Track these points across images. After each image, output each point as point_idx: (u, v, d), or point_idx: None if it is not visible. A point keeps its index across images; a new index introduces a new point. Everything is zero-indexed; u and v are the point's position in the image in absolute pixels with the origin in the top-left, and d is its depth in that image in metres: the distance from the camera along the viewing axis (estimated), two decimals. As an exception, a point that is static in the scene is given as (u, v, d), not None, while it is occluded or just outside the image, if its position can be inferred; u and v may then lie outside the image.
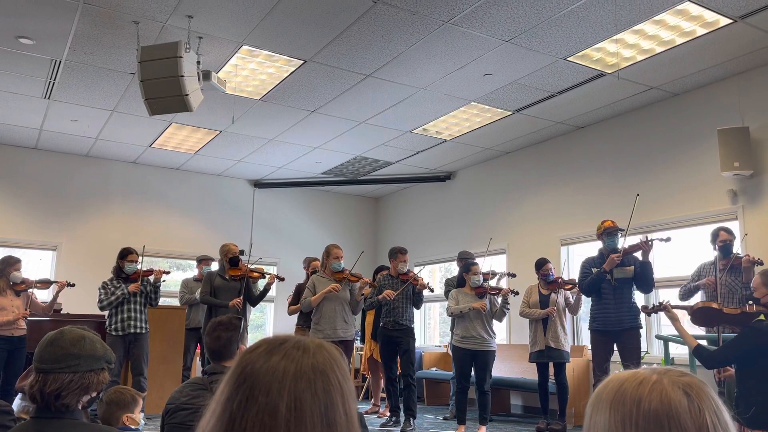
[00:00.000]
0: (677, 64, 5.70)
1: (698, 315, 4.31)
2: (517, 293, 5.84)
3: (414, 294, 6.09)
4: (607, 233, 5.27)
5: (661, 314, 4.74)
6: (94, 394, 1.87)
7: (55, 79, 6.17)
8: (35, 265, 8.21)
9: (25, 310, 5.76)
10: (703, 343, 3.97)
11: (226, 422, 0.76)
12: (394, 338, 6.02)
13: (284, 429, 0.75)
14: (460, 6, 4.71)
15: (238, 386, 0.79)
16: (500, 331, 7.74)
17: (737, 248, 5.28)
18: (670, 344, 4.91)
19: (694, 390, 0.83)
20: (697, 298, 5.22)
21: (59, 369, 1.76)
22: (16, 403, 3.26)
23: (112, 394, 2.73)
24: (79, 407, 1.83)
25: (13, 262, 5.80)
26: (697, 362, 4.12)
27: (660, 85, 6.17)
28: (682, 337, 3.87)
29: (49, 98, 6.67)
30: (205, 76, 5.21)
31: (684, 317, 4.35)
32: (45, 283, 6.05)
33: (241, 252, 6.35)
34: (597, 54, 5.52)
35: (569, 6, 4.70)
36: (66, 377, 1.75)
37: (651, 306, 4.47)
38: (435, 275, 10.05)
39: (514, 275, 6.88)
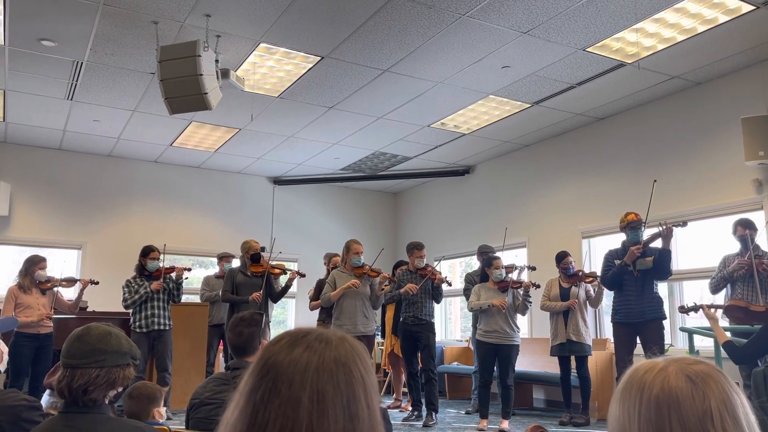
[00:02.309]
0: (699, 52, 5.61)
1: (730, 312, 4.31)
2: (538, 286, 5.81)
3: (433, 288, 6.09)
4: (631, 227, 5.22)
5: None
6: (120, 389, 1.90)
7: (77, 81, 6.25)
8: (60, 266, 8.35)
9: (51, 308, 5.87)
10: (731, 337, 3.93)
11: (249, 414, 0.77)
12: (414, 333, 6.02)
13: (307, 421, 0.76)
14: (477, -2, 4.68)
15: (261, 378, 0.79)
16: (522, 325, 7.70)
17: (762, 238, 5.19)
18: (695, 336, 4.85)
19: (699, 377, 0.83)
20: (727, 289, 5.12)
21: (86, 364, 1.79)
22: (45, 399, 3.32)
23: (141, 389, 2.76)
24: (106, 402, 1.87)
25: (38, 261, 5.90)
26: (723, 355, 4.08)
27: (682, 74, 6.07)
28: (715, 334, 3.86)
29: (71, 99, 6.77)
30: (224, 74, 5.25)
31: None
32: (70, 281, 6.16)
33: (262, 249, 6.40)
34: (617, 44, 5.45)
35: (588, -4, 4.65)
36: (93, 372, 1.79)
37: (687, 306, 4.47)
38: (455, 270, 10.03)
39: (534, 268, 6.85)
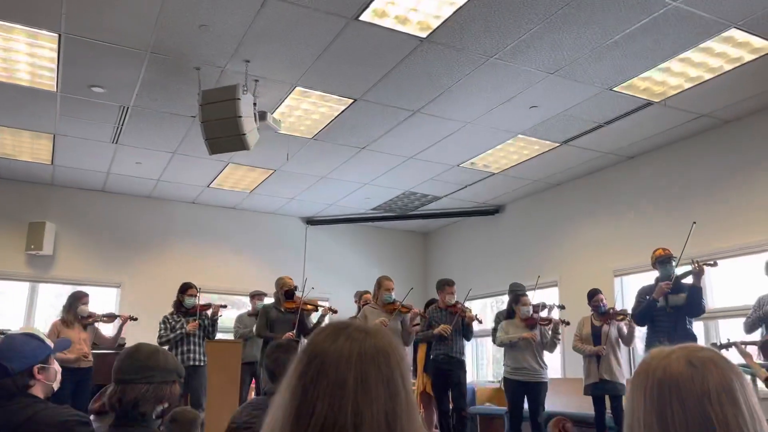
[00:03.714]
0: (727, 90, 5.67)
1: (766, 348, 4.29)
2: (568, 323, 5.79)
3: (463, 326, 6.11)
4: (660, 262, 5.22)
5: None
6: (166, 405, 2.01)
7: (122, 125, 6.58)
8: (99, 303, 8.60)
9: (91, 342, 6.05)
10: None
11: (300, 393, 0.87)
12: (446, 371, 6.02)
13: (353, 398, 0.85)
14: (504, 41, 4.85)
15: (309, 363, 0.90)
16: (555, 364, 7.61)
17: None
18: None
19: (701, 361, 0.90)
20: (762, 328, 5.05)
21: (136, 380, 1.91)
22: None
23: (185, 414, 2.87)
24: (153, 416, 1.98)
25: (80, 296, 6.14)
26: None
27: (710, 112, 6.12)
28: (753, 371, 3.84)
29: (116, 143, 7.10)
30: (261, 116, 5.48)
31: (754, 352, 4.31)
32: (110, 317, 6.36)
33: (294, 288, 6.53)
34: (643, 83, 5.54)
35: (612, 37, 4.78)
36: (142, 388, 1.91)
37: (720, 343, 4.44)
38: (487, 309, 9.98)
39: (563, 307, 6.80)
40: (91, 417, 3.31)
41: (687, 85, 5.57)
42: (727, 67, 5.25)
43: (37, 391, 2.13)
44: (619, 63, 5.18)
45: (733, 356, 5.28)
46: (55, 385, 2.24)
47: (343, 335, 0.92)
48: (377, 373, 0.88)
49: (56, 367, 2.24)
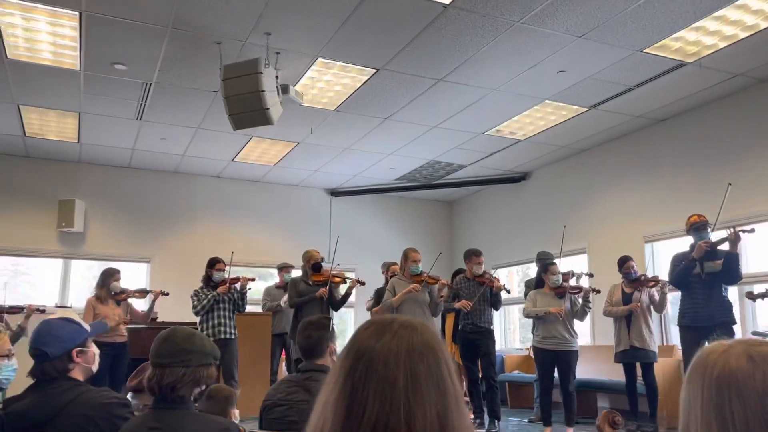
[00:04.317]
0: (763, 48, 5.45)
1: None
2: (599, 291, 5.72)
3: (491, 296, 6.08)
4: (695, 228, 5.10)
5: (762, 309, 4.55)
6: (203, 387, 2.03)
7: (146, 101, 6.58)
8: (130, 278, 8.75)
9: (125, 317, 6.17)
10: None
11: (348, 391, 0.85)
12: (474, 340, 6.02)
13: (404, 396, 0.83)
14: (531, 5, 4.70)
15: (356, 360, 0.87)
16: (584, 331, 7.57)
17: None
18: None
19: (761, 356, 0.86)
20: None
21: (174, 363, 1.92)
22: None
23: (220, 391, 2.90)
24: (192, 399, 1.99)
25: (113, 273, 6.22)
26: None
27: (746, 71, 5.90)
28: None
29: (140, 119, 7.12)
30: (284, 89, 5.43)
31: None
32: (142, 293, 6.46)
33: (322, 259, 6.54)
34: (676, 44, 5.35)
35: (644, -3, 4.61)
36: (180, 371, 1.91)
37: (756, 293, 4.33)
38: (512, 278, 9.95)
39: (591, 275, 6.73)
40: (129, 395, 3.38)
41: (722, 45, 5.36)
42: (764, 24, 5.03)
43: (77, 374, 2.16)
44: (651, 23, 5.00)
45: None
46: (94, 367, 2.28)
47: (389, 332, 0.90)
48: (427, 370, 0.86)
49: (94, 349, 2.27)
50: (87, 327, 2.25)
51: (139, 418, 1.99)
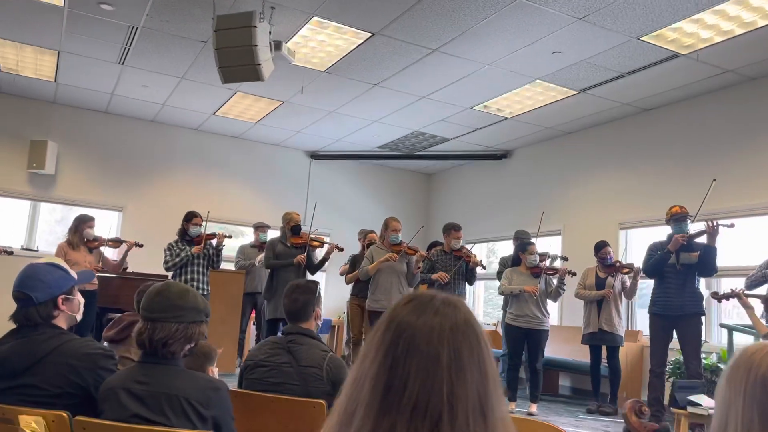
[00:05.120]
0: (757, 47, 5.50)
1: None
2: (574, 274, 5.81)
3: (467, 270, 6.13)
4: (675, 219, 5.18)
5: (726, 303, 4.67)
6: (193, 344, 1.99)
7: (130, 45, 6.36)
8: (101, 227, 8.58)
9: (97, 265, 6.05)
10: None
11: (389, 366, 0.83)
12: (448, 313, 6.07)
13: (447, 374, 0.81)
14: (536, -19, 4.64)
15: (398, 336, 0.85)
16: (552, 312, 7.70)
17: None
18: (735, 334, 4.82)
19: None
20: (762, 290, 5.08)
21: (166, 318, 1.88)
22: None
23: (200, 347, 2.86)
24: (182, 355, 1.96)
25: (87, 220, 6.08)
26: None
27: (737, 68, 5.96)
28: (754, 326, 3.83)
29: (123, 64, 6.89)
30: (276, 46, 5.29)
31: (757, 306, 4.29)
32: (116, 242, 6.34)
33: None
34: (673, 34, 5.36)
35: (649, -16, 4.58)
36: (173, 327, 1.87)
37: (722, 293, 4.42)
38: (485, 254, 10.03)
39: (566, 258, 6.81)
40: (104, 344, 3.32)
41: (717, 39, 5.39)
42: (761, 22, 5.07)
43: (61, 321, 2.11)
44: (651, 11, 4.99)
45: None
46: (78, 316, 2.22)
47: (430, 308, 0.87)
48: (469, 351, 0.84)
49: (79, 298, 2.21)
50: (74, 274, 2.19)
51: (126, 371, 1.95)
